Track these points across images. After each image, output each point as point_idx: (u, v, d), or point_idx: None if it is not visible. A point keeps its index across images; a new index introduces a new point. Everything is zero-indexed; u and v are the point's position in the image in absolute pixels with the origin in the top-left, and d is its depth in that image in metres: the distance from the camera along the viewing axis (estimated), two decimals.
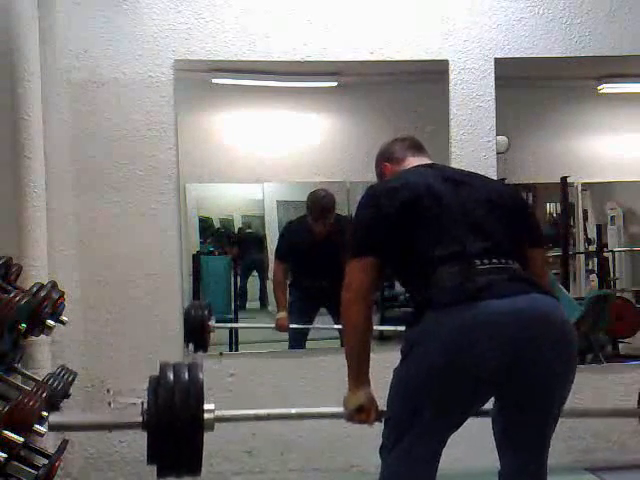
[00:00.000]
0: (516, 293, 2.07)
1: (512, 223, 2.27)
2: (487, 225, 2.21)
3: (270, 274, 4.49)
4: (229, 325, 4.40)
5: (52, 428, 2.18)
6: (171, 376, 2.06)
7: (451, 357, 2.02)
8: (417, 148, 2.51)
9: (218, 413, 2.15)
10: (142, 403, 2.06)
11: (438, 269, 2.12)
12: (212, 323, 3.95)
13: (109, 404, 2.19)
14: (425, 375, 2.08)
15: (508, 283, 2.09)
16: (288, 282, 4.39)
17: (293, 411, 2.49)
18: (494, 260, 2.14)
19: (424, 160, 2.46)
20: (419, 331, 2.12)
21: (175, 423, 2.00)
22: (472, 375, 2.03)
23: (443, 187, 2.25)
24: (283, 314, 4.24)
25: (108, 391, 2.26)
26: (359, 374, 2.25)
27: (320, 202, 4.26)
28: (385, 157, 2.53)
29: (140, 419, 2.05)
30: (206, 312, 3.92)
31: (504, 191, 2.42)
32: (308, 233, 4.30)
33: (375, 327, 4.05)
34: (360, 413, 2.25)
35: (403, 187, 2.25)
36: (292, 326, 4.19)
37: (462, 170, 2.58)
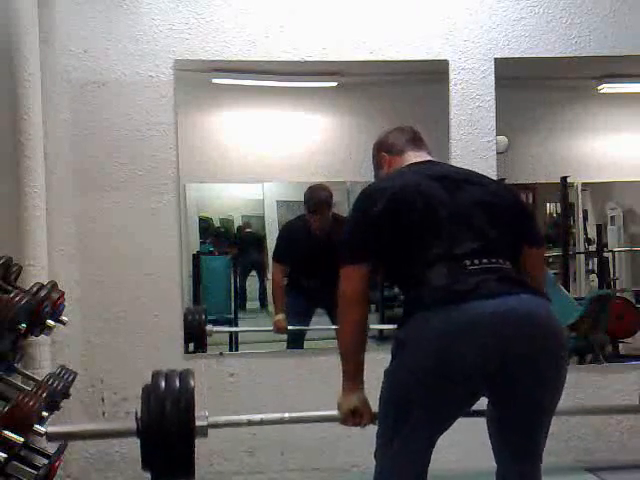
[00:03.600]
0: (504, 294, 2.06)
1: (508, 223, 2.25)
2: (479, 225, 2.20)
3: (269, 274, 4.49)
4: (227, 329, 4.40)
5: (50, 438, 2.23)
6: (163, 385, 2.12)
7: (437, 358, 2.02)
8: (417, 141, 2.48)
9: (211, 420, 2.18)
10: (136, 412, 2.09)
11: (428, 270, 2.12)
12: (210, 327, 3.97)
13: (103, 414, 2.26)
14: (413, 377, 2.08)
15: (497, 283, 2.08)
16: (285, 282, 4.39)
17: (286, 415, 2.51)
18: (484, 260, 2.13)
19: (423, 155, 2.44)
20: (407, 332, 2.13)
21: (167, 431, 2.06)
22: (458, 376, 2.03)
23: (436, 187, 2.23)
24: (281, 316, 4.25)
25: (102, 400, 2.32)
26: (353, 378, 2.26)
27: (317, 195, 4.25)
28: (384, 147, 2.49)
29: (134, 427, 2.10)
30: (203, 316, 3.95)
31: (501, 191, 2.39)
32: (306, 231, 4.29)
33: (375, 327, 4.11)
34: (354, 416, 2.27)
35: (394, 189, 2.24)
36: (290, 328, 4.20)
37: (460, 169, 2.56)
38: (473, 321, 2.01)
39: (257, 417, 2.48)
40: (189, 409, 2.08)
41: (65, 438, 2.46)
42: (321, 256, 4.18)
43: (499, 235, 2.21)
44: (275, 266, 4.37)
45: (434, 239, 2.16)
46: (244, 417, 2.48)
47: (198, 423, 2.11)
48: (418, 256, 2.16)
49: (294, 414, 2.54)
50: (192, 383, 2.14)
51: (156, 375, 2.16)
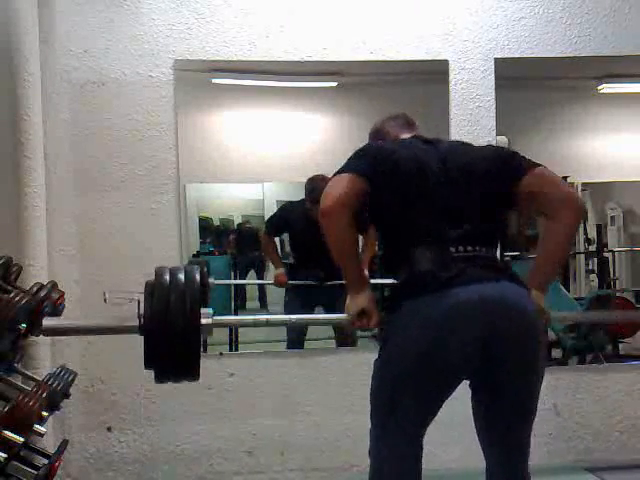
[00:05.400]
0: (486, 279, 2.13)
1: (493, 189, 2.26)
2: (467, 210, 2.23)
3: (268, 274, 4.49)
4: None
5: (46, 332, 2.13)
6: (167, 279, 2.00)
7: (423, 345, 2.09)
8: (410, 125, 2.54)
9: (217, 318, 2.08)
10: (138, 308, 2.01)
11: (414, 252, 2.17)
12: (212, 280, 3.95)
13: (105, 301, 2.15)
14: (401, 364, 2.13)
15: (479, 270, 2.15)
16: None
17: (294, 317, 2.49)
18: (469, 248, 2.19)
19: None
20: (394, 320, 2.18)
21: (171, 327, 1.94)
22: (445, 360, 2.09)
23: (432, 164, 2.26)
24: (281, 270, 4.27)
25: (104, 294, 2.18)
26: (356, 278, 2.26)
27: (319, 185, 4.23)
28: (378, 135, 2.55)
29: (137, 323, 2.02)
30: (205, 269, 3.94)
31: (483, 156, 2.36)
32: (305, 219, 4.22)
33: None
34: (362, 317, 2.26)
35: (398, 154, 2.27)
36: (291, 282, 4.20)
37: (451, 143, 2.58)
38: (457, 306, 2.07)
39: (262, 318, 2.44)
40: (195, 304, 1.97)
41: (62, 333, 2.33)
42: (320, 246, 4.18)
43: (486, 219, 2.25)
44: (265, 238, 4.40)
45: (424, 220, 2.21)
46: (249, 317, 2.45)
47: (203, 321, 2.00)
48: (408, 234, 2.21)
49: (300, 316, 2.53)
50: (198, 278, 2.04)
51: (160, 270, 2.04)
